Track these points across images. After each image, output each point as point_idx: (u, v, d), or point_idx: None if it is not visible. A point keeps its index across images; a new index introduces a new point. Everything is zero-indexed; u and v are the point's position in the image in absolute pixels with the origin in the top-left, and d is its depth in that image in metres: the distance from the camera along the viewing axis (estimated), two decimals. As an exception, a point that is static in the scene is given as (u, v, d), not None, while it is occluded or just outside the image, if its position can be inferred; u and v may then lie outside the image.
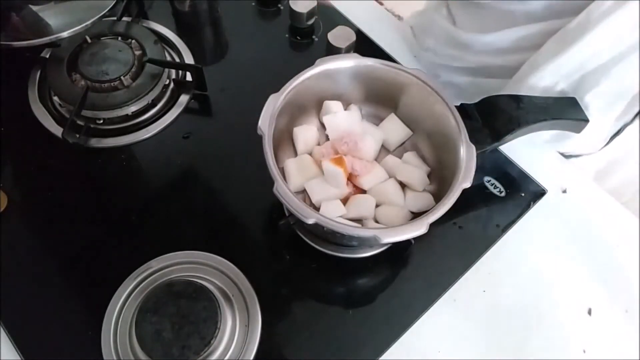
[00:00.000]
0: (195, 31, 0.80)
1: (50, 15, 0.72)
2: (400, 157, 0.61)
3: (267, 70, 0.78)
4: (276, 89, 0.56)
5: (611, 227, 0.68)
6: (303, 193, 0.59)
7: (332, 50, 0.76)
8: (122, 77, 0.70)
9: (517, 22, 0.65)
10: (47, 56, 0.74)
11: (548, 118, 0.61)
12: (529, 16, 0.64)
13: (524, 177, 0.69)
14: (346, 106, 0.64)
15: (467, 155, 0.54)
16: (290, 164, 0.58)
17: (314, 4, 0.78)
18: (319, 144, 0.61)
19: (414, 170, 0.59)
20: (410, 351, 0.58)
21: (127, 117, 0.71)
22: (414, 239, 0.52)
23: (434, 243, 0.63)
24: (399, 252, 0.63)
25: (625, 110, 0.67)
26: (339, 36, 0.76)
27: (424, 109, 0.60)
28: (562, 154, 0.73)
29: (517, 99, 0.62)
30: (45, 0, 0.72)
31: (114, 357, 0.53)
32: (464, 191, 0.52)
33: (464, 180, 0.52)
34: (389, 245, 0.62)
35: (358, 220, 0.57)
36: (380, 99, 0.63)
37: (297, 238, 0.63)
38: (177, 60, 0.77)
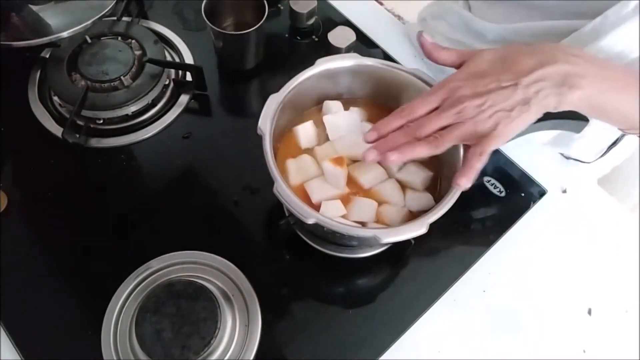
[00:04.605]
0: (195, 31, 0.80)
1: (50, 15, 0.72)
2: (400, 157, 0.61)
3: (267, 70, 0.78)
4: (276, 89, 0.56)
5: (611, 227, 0.68)
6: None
7: (332, 50, 0.76)
8: (122, 77, 0.70)
9: (534, 17, 0.65)
10: (47, 56, 0.74)
11: (548, 118, 0.61)
12: (547, 13, 0.63)
13: (524, 177, 0.69)
14: (346, 106, 0.63)
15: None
16: (290, 164, 0.58)
17: (314, 4, 0.78)
18: (319, 144, 0.61)
19: (414, 170, 0.59)
20: (410, 351, 0.58)
21: (127, 117, 0.71)
22: (414, 239, 0.52)
23: (434, 243, 0.63)
24: (399, 252, 0.63)
25: None
26: (339, 36, 0.76)
27: (424, 109, 0.60)
28: (562, 155, 0.73)
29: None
30: (45, 0, 0.72)
31: (114, 357, 0.54)
32: (464, 191, 0.52)
33: (464, 181, 0.52)
34: (389, 245, 0.62)
35: (358, 221, 0.57)
36: (380, 99, 0.63)
37: (297, 238, 0.63)
38: (177, 60, 0.77)
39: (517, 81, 0.48)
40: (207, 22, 0.70)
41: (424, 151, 0.49)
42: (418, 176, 0.58)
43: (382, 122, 0.51)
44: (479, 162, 0.48)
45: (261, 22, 0.71)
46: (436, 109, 0.50)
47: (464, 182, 0.49)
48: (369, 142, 0.52)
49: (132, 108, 0.70)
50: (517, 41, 0.67)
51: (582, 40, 0.59)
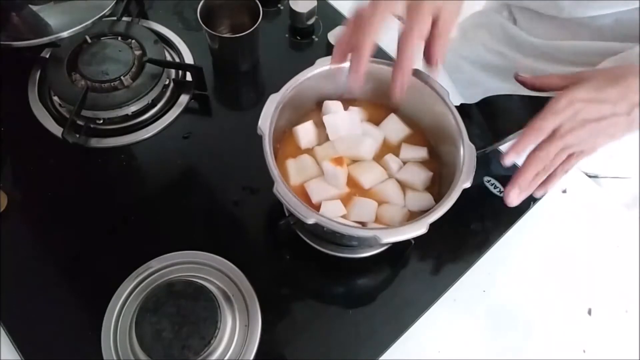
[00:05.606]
0: (195, 31, 0.80)
1: (50, 15, 0.72)
2: (400, 157, 0.61)
3: (267, 70, 0.78)
4: (276, 89, 0.56)
5: (611, 227, 0.68)
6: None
7: (332, 50, 0.75)
8: (122, 77, 0.70)
9: (580, 36, 0.65)
10: (47, 56, 0.74)
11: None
12: (596, 33, 0.64)
13: (524, 177, 0.69)
14: (346, 106, 0.64)
15: (467, 155, 0.54)
16: (290, 164, 0.58)
17: (314, 4, 0.78)
18: (319, 144, 0.61)
19: (414, 170, 0.59)
20: (410, 351, 0.58)
21: (127, 117, 0.71)
22: (414, 239, 0.52)
23: (434, 243, 0.63)
24: (399, 252, 0.63)
25: None
26: (338, 36, 0.76)
27: (424, 108, 0.60)
28: (587, 175, 0.72)
29: (517, 99, 0.62)
30: (45, 0, 0.72)
31: (114, 357, 0.54)
32: (464, 191, 0.52)
33: (464, 180, 0.52)
34: (389, 245, 0.62)
35: (358, 221, 0.57)
36: (380, 99, 0.63)
37: (297, 238, 0.63)
38: (177, 60, 0.77)
39: (631, 111, 0.51)
40: (202, 24, 0.71)
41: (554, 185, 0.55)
42: (418, 176, 0.58)
43: (519, 145, 0.51)
44: (561, 178, 0.54)
45: (255, 25, 0.71)
46: None
47: (541, 194, 0.55)
48: (507, 165, 0.52)
49: (132, 108, 0.70)
50: (559, 57, 0.68)
51: (627, 63, 0.58)
